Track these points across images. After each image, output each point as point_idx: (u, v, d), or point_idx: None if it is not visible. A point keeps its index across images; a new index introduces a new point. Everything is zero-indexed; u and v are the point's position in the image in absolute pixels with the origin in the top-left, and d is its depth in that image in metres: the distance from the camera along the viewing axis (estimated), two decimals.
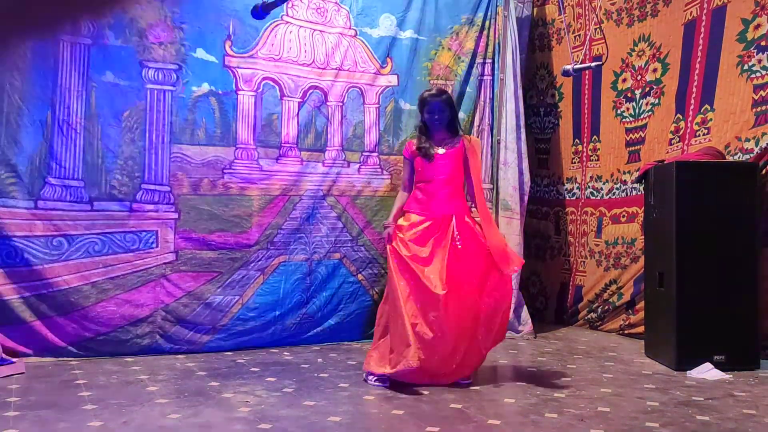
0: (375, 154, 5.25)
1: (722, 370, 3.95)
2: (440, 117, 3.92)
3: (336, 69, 5.13)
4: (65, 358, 4.19)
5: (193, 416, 3.00)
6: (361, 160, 5.21)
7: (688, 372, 3.97)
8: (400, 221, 3.91)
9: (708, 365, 3.98)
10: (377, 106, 5.28)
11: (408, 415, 3.06)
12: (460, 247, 3.74)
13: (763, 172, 4.38)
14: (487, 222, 3.82)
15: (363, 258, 5.14)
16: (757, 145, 4.45)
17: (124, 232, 4.45)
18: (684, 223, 4.12)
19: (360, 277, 5.11)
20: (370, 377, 3.72)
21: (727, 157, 4.58)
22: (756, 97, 4.52)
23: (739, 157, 4.54)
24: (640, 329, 5.00)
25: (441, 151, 3.92)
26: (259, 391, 3.48)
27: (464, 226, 3.81)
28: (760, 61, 4.51)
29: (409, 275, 3.69)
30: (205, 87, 4.73)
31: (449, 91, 4.54)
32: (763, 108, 4.47)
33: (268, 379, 3.79)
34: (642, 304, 5.02)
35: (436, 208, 3.86)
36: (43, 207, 4.24)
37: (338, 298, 5.03)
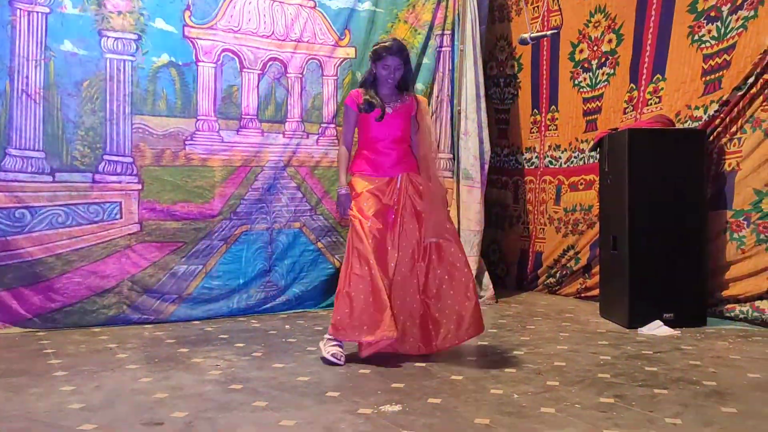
0: (332, 125, 5.29)
1: (671, 327, 4.15)
2: (395, 75, 3.62)
3: (295, 41, 5.15)
4: (31, 329, 4.19)
5: (165, 380, 3.06)
6: (320, 131, 5.25)
7: (639, 329, 4.17)
8: (353, 185, 3.61)
9: (658, 323, 4.17)
10: (335, 78, 5.32)
11: (374, 374, 3.17)
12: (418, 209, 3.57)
13: (711, 138, 4.57)
14: (436, 187, 3.63)
15: (322, 227, 5.22)
16: (705, 113, 4.63)
17: (87, 203, 4.44)
18: (636, 188, 4.28)
19: (320, 245, 5.19)
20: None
21: (677, 124, 4.76)
22: (705, 67, 4.69)
23: (689, 125, 4.71)
24: (596, 292, 5.19)
25: (389, 108, 3.63)
26: (229, 356, 3.55)
27: (415, 187, 3.60)
28: (709, 31, 4.66)
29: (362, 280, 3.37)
30: (165, 58, 4.71)
31: None
32: (713, 77, 4.64)
33: (237, 344, 3.86)
34: (598, 268, 5.21)
35: (388, 168, 3.60)
36: (3, 178, 4.20)
37: (300, 265, 5.12)
